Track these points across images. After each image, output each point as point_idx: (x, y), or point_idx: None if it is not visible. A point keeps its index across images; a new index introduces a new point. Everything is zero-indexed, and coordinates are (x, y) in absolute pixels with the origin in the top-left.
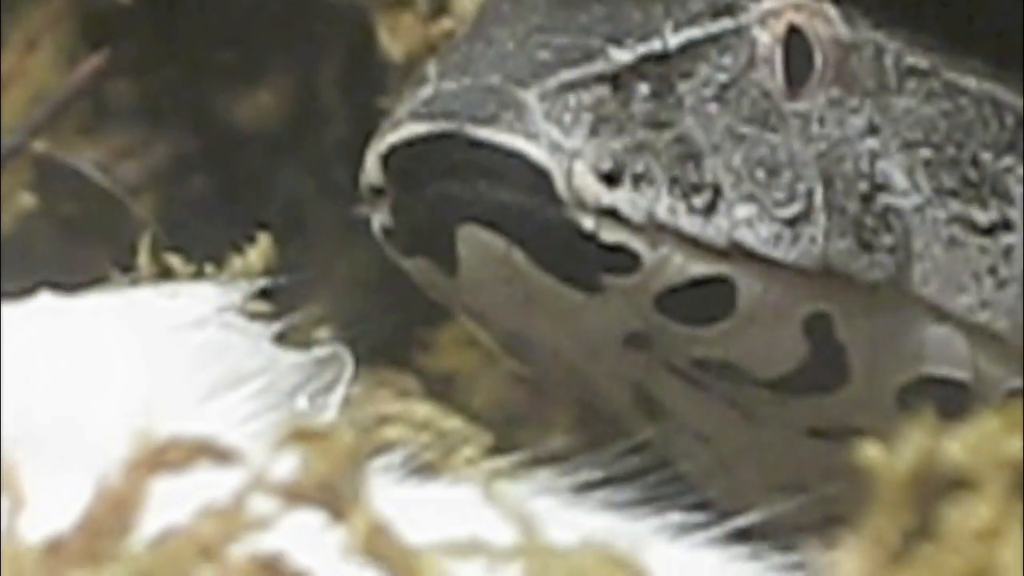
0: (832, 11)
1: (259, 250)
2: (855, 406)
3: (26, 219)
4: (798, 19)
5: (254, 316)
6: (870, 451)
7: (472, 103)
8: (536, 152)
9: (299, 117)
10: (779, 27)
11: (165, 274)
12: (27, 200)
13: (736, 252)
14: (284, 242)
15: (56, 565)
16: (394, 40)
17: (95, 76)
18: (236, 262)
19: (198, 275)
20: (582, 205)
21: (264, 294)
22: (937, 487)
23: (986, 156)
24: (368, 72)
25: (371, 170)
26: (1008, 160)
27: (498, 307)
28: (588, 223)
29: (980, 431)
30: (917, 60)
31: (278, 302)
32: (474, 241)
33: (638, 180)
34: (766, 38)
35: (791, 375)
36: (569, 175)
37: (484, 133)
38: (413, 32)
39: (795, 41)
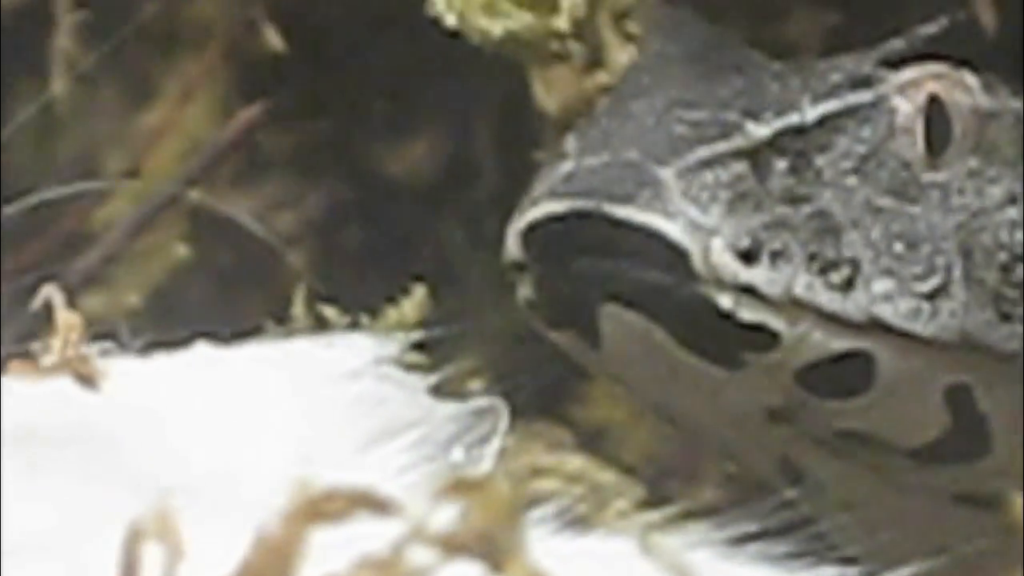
0: (972, 80)
1: (414, 301)
2: (999, 472)
3: (181, 270)
4: (938, 88)
5: (410, 367)
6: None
7: (610, 181)
8: (674, 231)
9: (453, 169)
10: (919, 97)
11: (320, 325)
12: (182, 251)
13: (875, 327)
14: (438, 294)
15: None
16: (549, 93)
17: (250, 127)
18: (391, 313)
19: (353, 326)
20: (720, 283)
21: (419, 346)
22: None
23: None
24: (522, 125)
25: (512, 246)
26: None
27: (642, 380)
28: (726, 301)
29: None
30: None
31: (433, 354)
32: (616, 319)
33: (776, 257)
34: (906, 108)
35: (933, 445)
36: (707, 253)
37: (622, 212)
38: (568, 85)
39: (935, 111)
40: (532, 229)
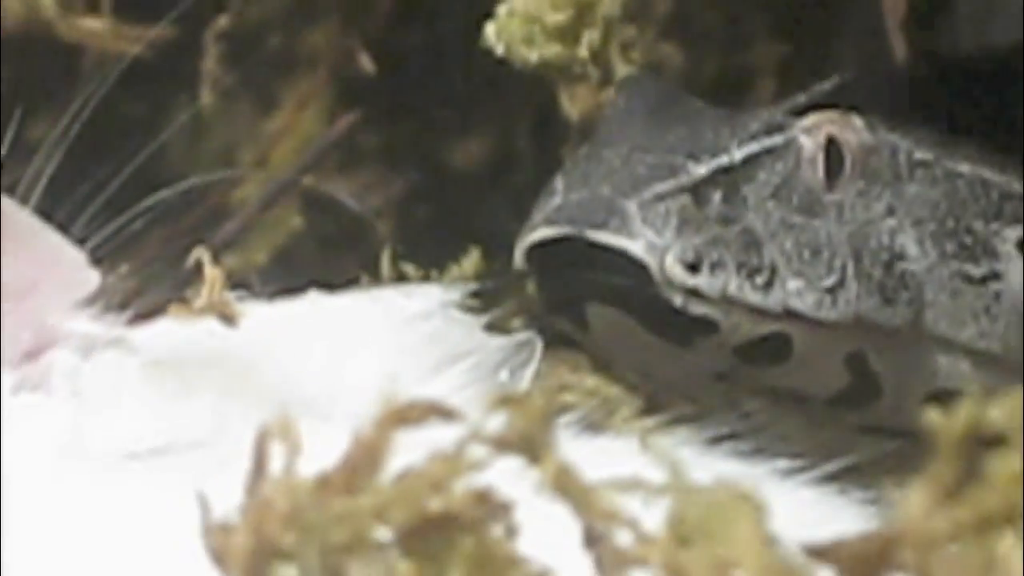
0: (858, 122)
1: (471, 261)
2: (889, 411)
3: (297, 236)
4: (833, 130)
5: (468, 310)
6: (934, 416)
7: (589, 211)
8: (637, 249)
9: (500, 161)
10: (819, 137)
11: (401, 278)
12: (297, 222)
13: (790, 316)
14: (489, 255)
15: (323, 495)
16: (572, 104)
17: (349, 129)
18: (454, 269)
19: (425, 279)
20: (673, 287)
21: (475, 294)
22: (982, 442)
23: (978, 224)
24: (552, 128)
25: (518, 259)
26: (995, 226)
27: (621, 355)
28: (679, 300)
29: (1014, 401)
30: (923, 154)
31: (485, 300)
32: (599, 314)
33: (714, 267)
34: (810, 146)
35: (840, 394)
36: (662, 265)
37: (598, 236)
38: (586, 99)
39: (831, 147)
40: (533, 248)
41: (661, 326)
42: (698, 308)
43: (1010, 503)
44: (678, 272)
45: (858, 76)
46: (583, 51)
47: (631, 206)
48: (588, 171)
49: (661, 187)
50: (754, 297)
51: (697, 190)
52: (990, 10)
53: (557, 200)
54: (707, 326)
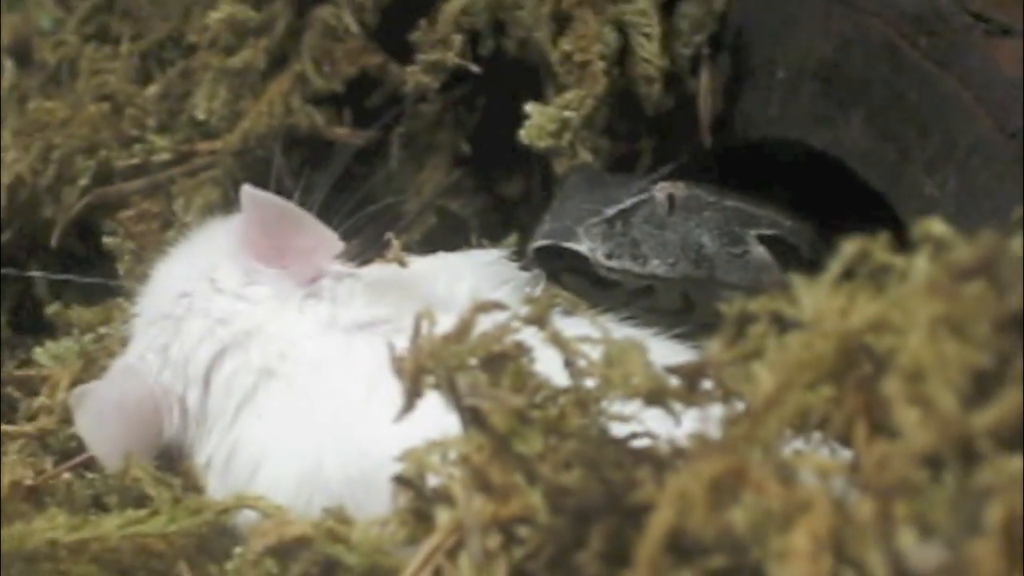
0: (681, 184)
1: (513, 239)
2: (699, 316)
3: (431, 227)
4: (670, 189)
5: (511, 260)
6: (724, 307)
7: (561, 233)
8: (583, 250)
9: (528, 191)
10: (664, 193)
11: (481, 246)
12: (432, 220)
13: (653, 277)
14: (522, 237)
15: (445, 344)
16: (559, 166)
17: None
18: (505, 242)
19: (492, 247)
20: (600, 267)
21: (515, 254)
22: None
23: (737, 229)
24: (550, 178)
25: (529, 253)
26: (745, 229)
27: (579, 292)
28: (603, 272)
29: (750, 301)
30: (710, 198)
31: (519, 257)
32: (568, 277)
33: (618, 257)
34: (660, 197)
35: (676, 309)
36: (595, 258)
37: (566, 244)
38: (564, 165)
39: (670, 197)
40: (536, 248)
41: (595, 283)
42: (611, 275)
43: (762, 345)
44: (602, 260)
45: (687, 159)
46: (564, 144)
47: (580, 230)
48: (559, 213)
49: (593, 220)
50: (636, 269)
51: (610, 221)
52: (761, 112)
53: (547, 226)
54: (615, 283)
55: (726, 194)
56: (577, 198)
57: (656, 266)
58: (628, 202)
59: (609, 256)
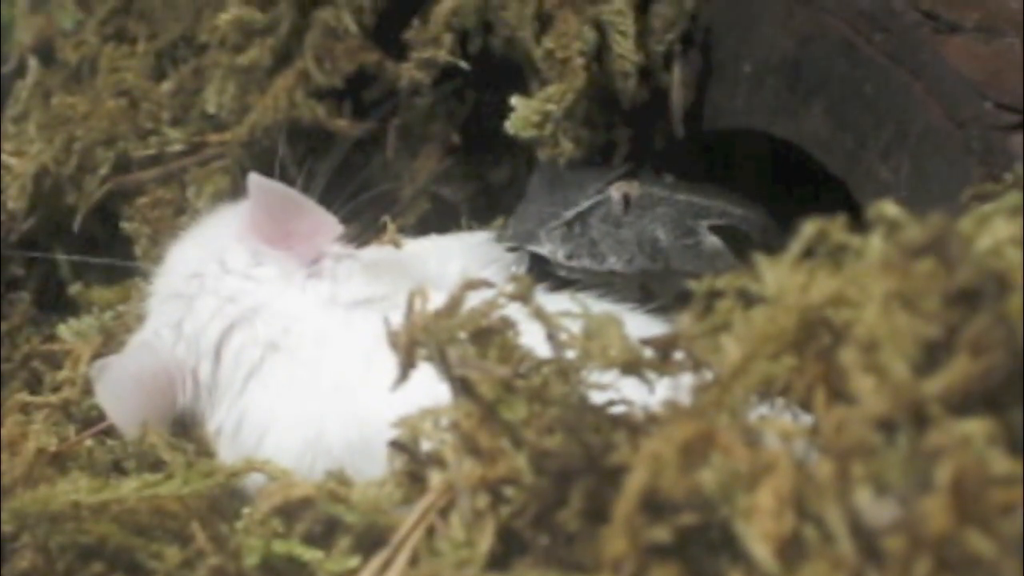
0: (636, 183)
1: (499, 222)
2: (660, 305)
3: (424, 211)
4: (625, 188)
5: (498, 242)
6: (692, 284)
7: (525, 236)
8: (545, 252)
9: (514, 178)
10: (619, 193)
11: (471, 229)
12: (426, 203)
13: (611, 272)
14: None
15: (437, 319)
16: (542, 153)
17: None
18: (492, 225)
19: (480, 229)
20: (561, 267)
21: (500, 236)
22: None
23: (689, 222)
24: (533, 163)
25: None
26: (691, 222)
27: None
28: (563, 272)
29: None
30: (663, 193)
31: (504, 239)
32: (537, 266)
33: (577, 257)
34: (616, 197)
35: (637, 299)
36: (556, 258)
37: (531, 247)
38: (547, 152)
39: (625, 196)
40: (509, 248)
41: (557, 280)
42: (571, 274)
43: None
44: (562, 260)
45: (651, 154)
46: (547, 134)
47: (542, 233)
48: (523, 216)
49: (553, 223)
50: (594, 266)
51: (569, 223)
52: (729, 104)
53: (511, 230)
54: (575, 280)
55: (678, 189)
56: (539, 201)
57: (614, 263)
58: (585, 204)
59: (569, 257)
